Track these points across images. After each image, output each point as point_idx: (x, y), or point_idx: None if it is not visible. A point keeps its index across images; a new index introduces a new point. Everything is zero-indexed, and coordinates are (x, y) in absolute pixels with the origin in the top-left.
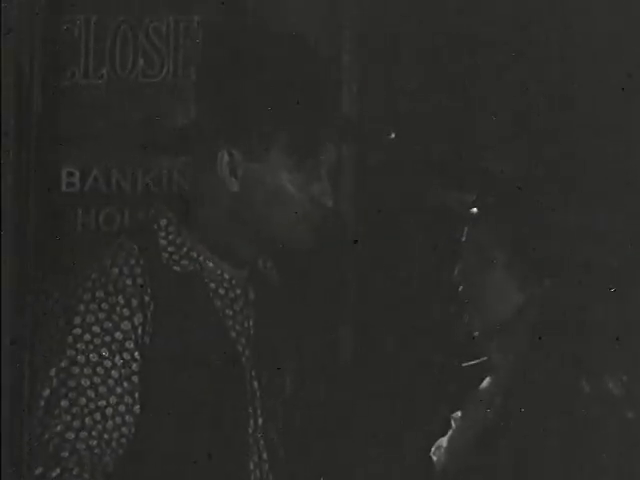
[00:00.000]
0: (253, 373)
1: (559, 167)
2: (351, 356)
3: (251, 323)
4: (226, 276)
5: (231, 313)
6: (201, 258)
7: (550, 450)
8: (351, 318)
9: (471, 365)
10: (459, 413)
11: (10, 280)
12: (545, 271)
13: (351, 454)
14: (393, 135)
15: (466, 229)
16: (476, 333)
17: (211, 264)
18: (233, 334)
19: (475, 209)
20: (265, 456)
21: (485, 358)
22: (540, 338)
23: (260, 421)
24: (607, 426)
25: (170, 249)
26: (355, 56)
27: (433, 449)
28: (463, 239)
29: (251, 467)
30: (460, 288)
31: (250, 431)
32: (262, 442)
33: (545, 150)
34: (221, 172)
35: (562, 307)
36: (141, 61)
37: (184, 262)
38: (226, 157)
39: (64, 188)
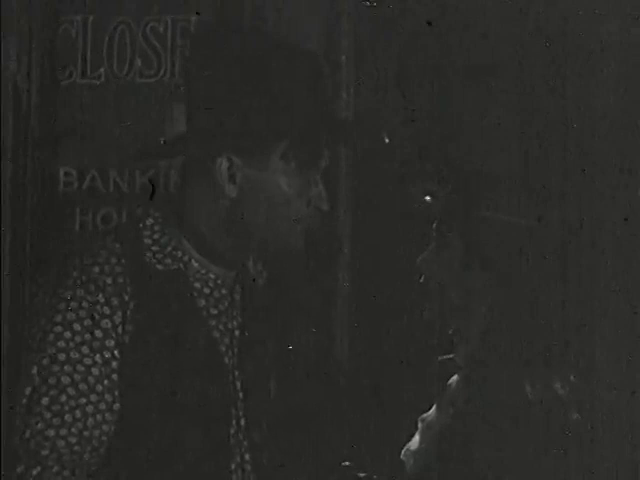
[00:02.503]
0: (236, 373)
1: (552, 166)
2: (337, 358)
3: (235, 324)
4: (211, 276)
5: (215, 312)
6: (185, 257)
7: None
8: (339, 321)
9: (445, 360)
10: (426, 414)
11: (9, 279)
12: (501, 272)
13: (335, 456)
14: (387, 140)
15: (439, 231)
16: (450, 332)
17: (196, 264)
18: (216, 334)
19: (464, 213)
20: (247, 457)
21: (452, 355)
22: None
23: (243, 422)
24: (556, 427)
25: (154, 248)
26: (352, 61)
27: (403, 451)
28: (436, 238)
29: (232, 468)
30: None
31: (232, 432)
32: (245, 443)
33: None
34: (220, 179)
35: (515, 308)
36: (138, 61)
37: (167, 261)
38: (225, 163)
39: (62, 188)
